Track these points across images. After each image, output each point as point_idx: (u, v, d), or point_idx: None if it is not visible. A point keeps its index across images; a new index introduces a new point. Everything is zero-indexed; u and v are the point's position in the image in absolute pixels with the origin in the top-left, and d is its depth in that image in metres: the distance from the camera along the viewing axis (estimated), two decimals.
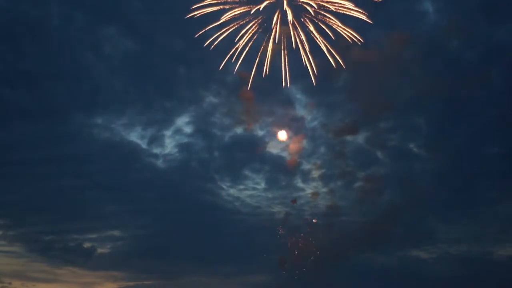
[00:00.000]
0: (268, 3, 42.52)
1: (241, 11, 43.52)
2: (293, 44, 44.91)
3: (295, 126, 53.18)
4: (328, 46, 45.21)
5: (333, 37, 44.33)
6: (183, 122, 77.73)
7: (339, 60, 45.65)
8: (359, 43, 44.60)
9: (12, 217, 75.49)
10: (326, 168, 70.02)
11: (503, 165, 67.09)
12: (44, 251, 75.82)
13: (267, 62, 45.78)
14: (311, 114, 65.00)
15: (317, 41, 44.98)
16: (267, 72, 46.20)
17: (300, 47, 45.32)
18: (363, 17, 43.01)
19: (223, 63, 45.57)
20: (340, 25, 43.84)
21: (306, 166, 71.08)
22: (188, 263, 74.55)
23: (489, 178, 69.55)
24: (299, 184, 72.18)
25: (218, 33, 44.60)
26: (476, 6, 61.25)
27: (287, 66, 46.38)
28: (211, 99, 73.62)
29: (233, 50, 44.97)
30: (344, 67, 45.85)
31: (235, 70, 45.24)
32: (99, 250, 77.26)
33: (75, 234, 77.56)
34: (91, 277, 76.66)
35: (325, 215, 62.57)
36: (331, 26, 44.03)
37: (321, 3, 42.78)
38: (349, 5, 42.63)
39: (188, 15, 43.71)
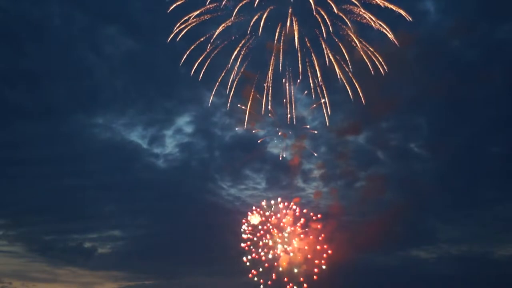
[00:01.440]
0: (270, 9, 39.00)
1: (231, 23, 40.14)
2: (300, 72, 41.92)
3: (296, 126, 52.58)
4: (350, 74, 41.67)
5: (350, 66, 41.04)
6: (184, 122, 78.06)
7: (360, 93, 42.55)
8: (383, 73, 41.45)
9: (12, 217, 75.82)
10: (327, 168, 69.91)
11: (503, 165, 67.35)
12: (44, 251, 76.23)
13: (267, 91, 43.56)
14: (312, 114, 64.67)
15: (333, 66, 40.96)
16: (270, 109, 44.57)
17: (310, 79, 42.19)
18: (390, 35, 39.84)
19: (229, 64, 44.11)
20: (360, 49, 40.18)
21: (307, 166, 71.01)
22: (188, 263, 74.57)
23: (489, 178, 69.95)
24: (300, 184, 72.17)
25: (208, 50, 41.81)
26: (477, 5, 61.37)
27: (292, 99, 44.61)
28: (212, 99, 73.53)
29: (235, 53, 42.48)
30: (364, 101, 43.22)
31: (240, 70, 43.87)
32: (100, 250, 77.60)
33: (75, 234, 78.06)
34: (92, 277, 76.86)
35: (326, 215, 62.36)
36: (347, 41, 40.19)
37: (336, 12, 38.30)
38: (365, 13, 38.45)
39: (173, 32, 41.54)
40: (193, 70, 42.83)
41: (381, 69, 41.46)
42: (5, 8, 69.05)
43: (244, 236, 51.94)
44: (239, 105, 46.24)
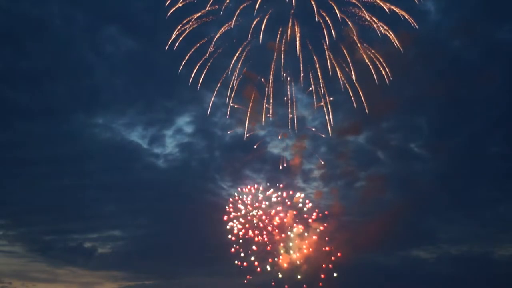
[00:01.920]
0: (271, 11, 38.80)
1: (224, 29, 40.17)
2: (301, 72, 41.90)
3: (296, 125, 52.45)
4: (353, 78, 41.58)
5: (353, 71, 40.88)
6: (184, 121, 78.07)
7: (364, 104, 42.61)
8: (387, 82, 41.51)
9: (12, 217, 75.71)
10: (327, 168, 69.82)
11: (503, 165, 67.37)
12: (44, 251, 76.16)
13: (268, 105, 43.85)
14: (312, 114, 64.62)
15: (335, 70, 40.79)
16: (271, 110, 44.57)
17: (312, 80, 42.06)
18: (391, 37, 39.65)
19: (229, 67, 43.85)
20: (363, 52, 39.91)
21: (307, 166, 70.84)
22: (188, 263, 74.54)
23: (489, 178, 69.96)
24: (300, 184, 72.02)
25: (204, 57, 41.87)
26: (477, 5, 61.37)
27: (294, 99, 44.69)
28: (212, 98, 73.47)
29: (236, 56, 42.65)
30: (367, 111, 43.32)
31: (242, 71, 43.67)
32: (100, 250, 77.59)
33: (75, 234, 78.05)
34: (91, 277, 76.81)
35: (326, 215, 62.30)
36: (349, 42, 39.97)
37: (339, 15, 37.83)
38: (369, 15, 38.09)
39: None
40: (193, 74, 42.68)
41: (385, 75, 41.37)
42: (5, 8, 69.17)
43: (232, 237, 50.35)
44: (233, 105, 46.17)
